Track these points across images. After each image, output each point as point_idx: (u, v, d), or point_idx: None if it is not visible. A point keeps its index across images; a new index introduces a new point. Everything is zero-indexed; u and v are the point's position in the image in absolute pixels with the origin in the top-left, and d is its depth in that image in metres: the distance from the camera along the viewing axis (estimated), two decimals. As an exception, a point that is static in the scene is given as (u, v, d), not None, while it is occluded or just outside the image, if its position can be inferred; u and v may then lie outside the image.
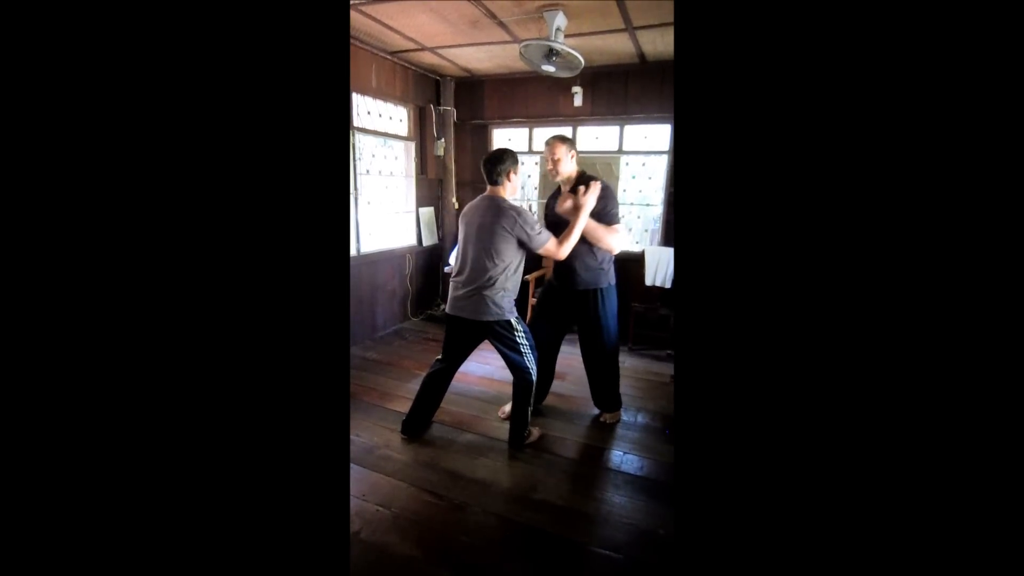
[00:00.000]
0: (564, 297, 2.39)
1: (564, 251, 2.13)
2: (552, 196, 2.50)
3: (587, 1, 2.53)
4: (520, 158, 2.25)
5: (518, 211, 2.07)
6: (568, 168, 2.28)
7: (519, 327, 2.17)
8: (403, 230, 4.27)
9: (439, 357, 2.33)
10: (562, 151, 2.25)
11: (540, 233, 2.09)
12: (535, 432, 2.37)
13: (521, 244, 2.09)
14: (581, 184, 2.25)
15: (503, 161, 2.12)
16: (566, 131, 4.15)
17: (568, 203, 2.17)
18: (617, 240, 2.22)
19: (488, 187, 2.16)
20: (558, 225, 2.38)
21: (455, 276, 2.20)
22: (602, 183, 2.22)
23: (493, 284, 2.07)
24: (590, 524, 1.79)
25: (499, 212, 2.06)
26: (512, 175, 2.14)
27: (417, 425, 2.36)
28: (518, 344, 2.17)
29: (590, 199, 2.12)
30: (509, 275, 2.10)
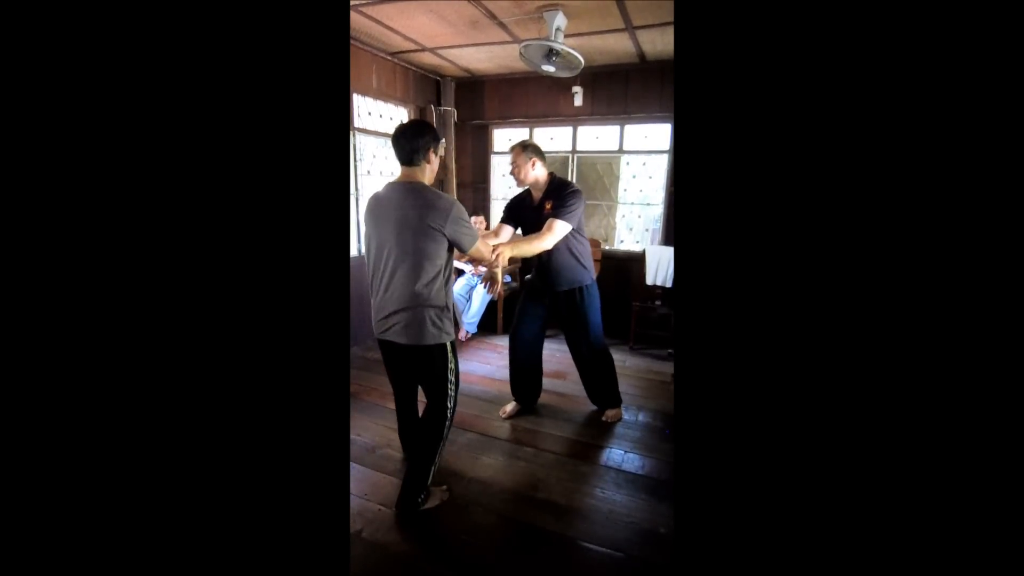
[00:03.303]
0: (547, 296, 2.40)
1: (491, 255, 1.83)
2: (516, 197, 2.48)
3: (587, 1, 2.53)
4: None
5: (451, 202, 1.59)
6: (531, 174, 2.26)
7: (452, 355, 1.71)
8: (404, 230, 4.27)
9: (393, 406, 1.91)
10: (521, 159, 2.24)
11: (471, 230, 1.63)
12: (437, 494, 1.84)
13: (451, 244, 1.61)
14: (554, 188, 2.25)
15: (423, 135, 1.60)
16: (566, 131, 4.17)
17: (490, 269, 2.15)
18: (548, 240, 2.16)
19: (401, 169, 1.64)
20: (511, 222, 2.44)
21: (372, 292, 1.68)
22: (572, 185, 2.26)
23: (429, 298, 1.58)
24: (591, 523, 1.79)
25: (426, 204, 1.55)
26: (433, 155, 1.64)
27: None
28: (447, 373, 1.70)
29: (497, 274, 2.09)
30: (444, 284, 1.62)
